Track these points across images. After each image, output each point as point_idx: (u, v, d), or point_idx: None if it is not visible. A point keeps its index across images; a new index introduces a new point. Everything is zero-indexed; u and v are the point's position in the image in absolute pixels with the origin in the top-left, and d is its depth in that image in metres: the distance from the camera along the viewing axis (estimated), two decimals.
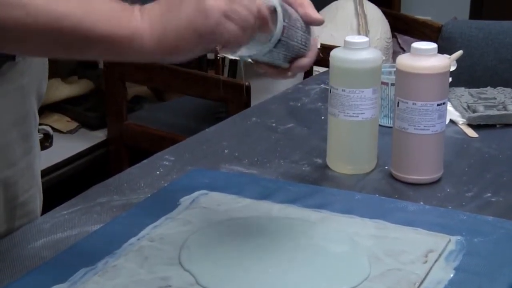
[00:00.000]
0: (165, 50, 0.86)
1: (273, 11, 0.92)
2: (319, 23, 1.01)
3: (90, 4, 0.84)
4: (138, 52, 0.85)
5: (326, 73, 1.52)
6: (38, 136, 1.18)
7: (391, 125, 1.30)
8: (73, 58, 0.95)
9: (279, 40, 0.93)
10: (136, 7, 0.86)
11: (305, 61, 0.99)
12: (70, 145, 2.84)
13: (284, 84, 2.50)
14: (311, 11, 0.99)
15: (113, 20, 0.84)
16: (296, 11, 0.99)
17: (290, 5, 0.99)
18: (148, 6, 0.87)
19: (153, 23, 0.85)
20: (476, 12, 3.81)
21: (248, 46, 0.93)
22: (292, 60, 0.98)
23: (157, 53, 0.86)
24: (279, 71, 1.00)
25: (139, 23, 0.85)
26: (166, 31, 0.85)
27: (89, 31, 0.83)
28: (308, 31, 1.00)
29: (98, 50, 0.86)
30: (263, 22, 0.89)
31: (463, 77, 1.77)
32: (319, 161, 1.33)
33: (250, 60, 0.97)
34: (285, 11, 0.95)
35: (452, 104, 1.54)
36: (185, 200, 1.14)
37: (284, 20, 0.93)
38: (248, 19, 0.87)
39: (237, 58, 0.96)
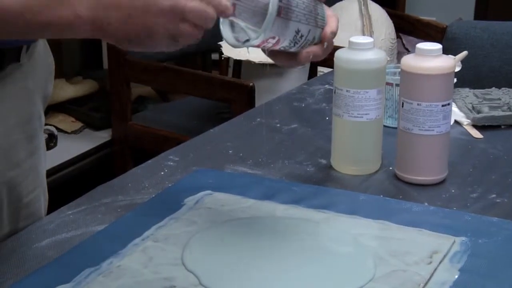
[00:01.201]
0: (102, 38, 0.87)
1: None
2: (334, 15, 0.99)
3: None
4: (80, 35, 0.86)
5: (331, 73, 1.52)
6: (43, 137, 1.17)
7: (395, 126, 1.30)
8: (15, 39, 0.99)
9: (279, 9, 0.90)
10: None
11: (316, 48, 0.98)
12: (74, 145, 2.85)
13: (288, 85, 2.50)
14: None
15: (52, 9, 0.84)
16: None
17: None
18: None
19: (93, 14, 0.84)
20: (481, 12, 3.81)
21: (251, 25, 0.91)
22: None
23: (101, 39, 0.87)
24: (290, 57, 0.98)
25: (77, 11, 0.84)
26: (105, 28, 0.85)
27: (30, 21, 0.84)
28: (320, 6, 0.97)
29: (40, 35, 0.89)
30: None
31: (467, 77, 1.77)
32: (324, 161, 1.32)
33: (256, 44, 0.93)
34: None
35: (456, 104, 1.54)
36: (190, 200, 1.14)
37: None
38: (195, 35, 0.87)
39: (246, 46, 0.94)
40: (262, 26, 0.90)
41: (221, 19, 0.92)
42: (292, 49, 0.97)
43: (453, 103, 1.31)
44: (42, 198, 1.18)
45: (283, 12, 0.91)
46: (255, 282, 0.93)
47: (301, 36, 0.95)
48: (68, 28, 0.85)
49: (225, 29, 0.94)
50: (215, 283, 0.92)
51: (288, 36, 0.94)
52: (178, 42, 0.87)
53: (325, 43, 0.99)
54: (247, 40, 0.92)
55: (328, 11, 1.00)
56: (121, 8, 0.84)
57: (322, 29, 0.98)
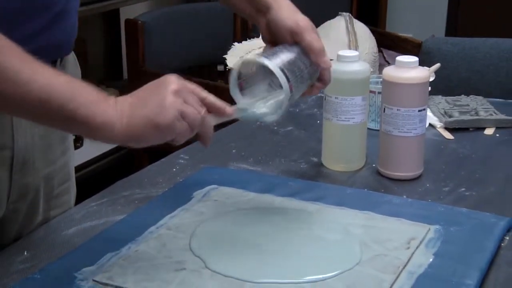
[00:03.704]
0: (130, 138, 0.85)
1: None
2: (326, 68, 1.01)
3: (76, 88, 0.83)
4: (108, 137, 0.85)
5: None
6: (72, 138, 1.17)
7: (378, 129, 1.29)
8: (52, 128, 0.97)
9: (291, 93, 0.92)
10: (112, 98, 0.86)
11: (319, 85, 1.02)
12: (98, 145, 2.84)
13: None
14: (319, 58, 0.99)
15: (93, 106, 0.83)
16: (308, 55, 0.98)
17: (302, 47, 0.98)
18: (121, 98, 0.87)
19: (124, 115, 0.84)
20: (451, 30, 3.81)
21: (273, 111, 0.94)
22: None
23: (123, 140, 0.86)
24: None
25: (113, 113, 0.84)
26: (133, 123, 0.85)
27: (72, 112, 0.82)
28: (316, 67, 0.99)
29: (76, 130, 0.85)
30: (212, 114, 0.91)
31: (440, 86, 1.76)
32: (315, 160, 1.32)
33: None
34: (291, 71, 0.93)
35: (431, 110, 1.53)
36: (198, 193, 1.14)
37: (288, 81, 0.91)
38: (196, 120, 0.87)
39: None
40: (276, 112, 0.93)
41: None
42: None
43: (428, 108, 1.30)
44: (72, 191, 1.18)
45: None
46: (255, 265, 0.93)
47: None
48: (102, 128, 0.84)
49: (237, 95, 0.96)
50: (219, 266, 0.92)
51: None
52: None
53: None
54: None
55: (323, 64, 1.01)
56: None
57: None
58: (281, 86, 0.91)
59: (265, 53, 0.97)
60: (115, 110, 0.84)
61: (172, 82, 0.87)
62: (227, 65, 2.74)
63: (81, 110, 0.82)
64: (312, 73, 0.99)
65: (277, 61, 0.92)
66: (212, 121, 0.91)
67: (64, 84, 0.82)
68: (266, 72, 0.93)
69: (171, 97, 0.85)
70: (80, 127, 0.84)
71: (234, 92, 0.96)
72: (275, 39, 1.03)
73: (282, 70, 0.91)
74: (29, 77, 0.79)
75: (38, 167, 1.07)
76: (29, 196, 1.07)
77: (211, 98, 0.91)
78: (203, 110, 0.89)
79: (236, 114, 0.93)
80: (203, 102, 0.89)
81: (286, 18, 1.00)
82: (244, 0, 1.07)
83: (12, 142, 1.01)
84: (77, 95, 0.82)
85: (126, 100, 0.86)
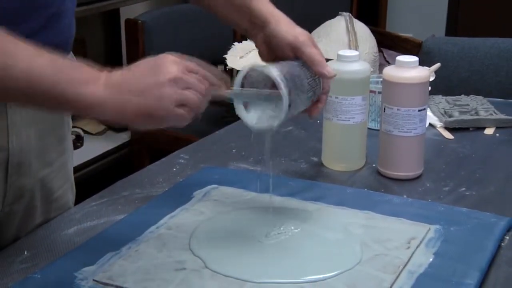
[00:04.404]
0: (121, 120, 0.84)
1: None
2: (330, 77, 1.00)
3: (62, 70, 0.82)
4: (97, 116, 0.84)
5: None
6: (71, 139, 1.17)
7: (378, 128, 1.29)
8: (38, 110, 0.95)
9: (289, 106, 0.92)
10: (103, 74, 0.83)
11: (320, 105, 1.00)
12: (98, 145, 2.84)
13: None
14: (322, 69, 0.98)
15: (81, 88, 0.81)
16: (310, 67, 0.98)
17: (304, 61, 0.98)
18: (114, 77, 0.84)
19: (115, 97, 0.83)
20: (452, 30, 3.81)
21: (271, 118, 0.94)
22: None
23: (115, 121, 0.84)
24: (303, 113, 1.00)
25: (102, 94, 0.82)
26: (125, 107, 0.83)
27: (59, 95, 0.81)
28: (318, 82, 0.99)
29: (64, 110, 0.85)
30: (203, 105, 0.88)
31: (440, 86, 1.76)
32: (315, 159, 1.32)
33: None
34: (291, 80, 0.92)
35: (431, 110, 1.53)
36: (198, 193, 1.14)
37: (289, 94, 0.91)
38: (196, 103, 0.85)
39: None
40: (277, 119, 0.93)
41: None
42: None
43: (428, 108, 1.30)
44: (70, 192, 1.17)
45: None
46: (255, 265, 0.93)
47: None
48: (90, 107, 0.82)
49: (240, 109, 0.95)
50: (219, 265, 0.92)
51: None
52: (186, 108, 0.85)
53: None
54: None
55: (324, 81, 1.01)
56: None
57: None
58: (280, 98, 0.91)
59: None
60: (106, 91, 0.82)
61: (171, 68, 0.84)
62: (227, 65, 2.75)
63: (68, 92, 0.80)
64: (313, 86, 0.98)
65: (277, 68, 0.92)
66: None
67: (47, 67, 0.80)
68: (267, 83, 0.93)
69: (168, 87, 0.83)
70: (69, 109, 0.83)
71: (239, 108, 0.95)
72: (274, 53, 1.01)
73: (282, 77, 0.91)
74: (9, 61, 0.78)
75: (34, 169, 1.06)
76: (25, 198, 1.06)
77: (211, 77, 0.88)
78: (205, 87, 0.86)
79: (231, 95, 0.92)
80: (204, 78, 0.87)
81: (285, 32, 0.99)
82: (236, 13, 1.05)
83: (7, 143, 1.00)
84: (63, 78, 0.80)
85: (119, 80, 0.83)
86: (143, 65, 0.86)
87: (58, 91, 0.81)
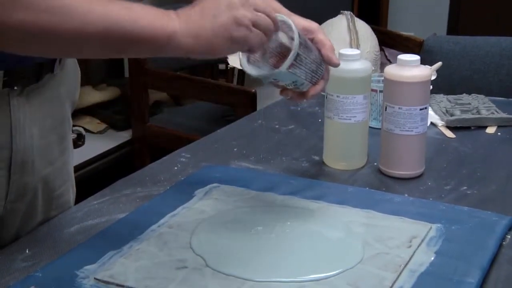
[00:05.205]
0: (199, 50, 0.87)
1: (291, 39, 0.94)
2: (335, 65, 1.03)
3: (134, 11, 0.84)
4: (175, 49, 0.86)
5: None
6: (72, 138, 1.17)
7: (379, 127, 1.29)
8: (116, 57, 0.98)
9: (296, 57, 0.94)
10: (172, 12, 0.86)
11: (318, 87, 1.02)
12: (99, 143, 2.85)
13: None
14: (331, 53, 1.02)
15: (154, 23, 0.84)
16: (319, 50, 1.01)
17: (314, 43, 1.01)
18: (183, 11, 0.87)
19: (190, 27, 0.85)
20: (453, 28, 3.81)
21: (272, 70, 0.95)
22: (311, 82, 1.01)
23: (192, 52, 0.87)
24: (299, 94, 1.02)
25: (177, 25, 0.85)
26: (201, 35, 0.86)
27: (136, 35, 0.83)
28: (322, 64, 1.01)
29: (142, 50, 0.87)
30: (276, 28, 0.92)
31: (442, 85, 1.76)
32: (317, 158, 1.32)
33: (273, 80, 0.98)
34: (304, 43, 0.96)
35: (432, 108, 1.53)
36: (200, 192, 1.14)
37: (300, 47, 0.94)
38: (269, 26, 0.89)
39: (261, 77, 0.97)
40: (278, 68, 0.95)
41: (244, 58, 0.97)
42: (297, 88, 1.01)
43: (429, 107, 1.30)
44: (71, 191, 1.18)
45: (291, 68, 0.95)
46: (256, 264, 0.93)
47: (301, 84, 1.00)
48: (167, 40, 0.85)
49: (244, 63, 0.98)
50: (220, 264, 0.92)
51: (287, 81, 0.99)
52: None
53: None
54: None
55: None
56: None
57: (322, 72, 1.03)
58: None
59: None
60: (180, 21, 0.85)
61: None
62: (228, 64, 2.75)
63: (146, 29, 0.83)
64: (317, 63, 1.00)
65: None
66: None
67: (122, 9, 0.83)
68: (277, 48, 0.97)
69: (242, 9, 0.86)
70: (147, 47, 0.85)
71: (243, 62, 0.97)
72: None
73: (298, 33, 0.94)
74: (85, 8, 0.80)
75: (37, 167, 1.06)
76: (28, 197, 1.06)
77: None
78: (273, 14, 0.89)
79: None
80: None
81: (299, 19, 1.02)
82: None
83: (11, 142, 1.01)
84: (139, 16, 0.83)
85: (190, 13, 0.86)
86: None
87: (136, 30, 0.83)
